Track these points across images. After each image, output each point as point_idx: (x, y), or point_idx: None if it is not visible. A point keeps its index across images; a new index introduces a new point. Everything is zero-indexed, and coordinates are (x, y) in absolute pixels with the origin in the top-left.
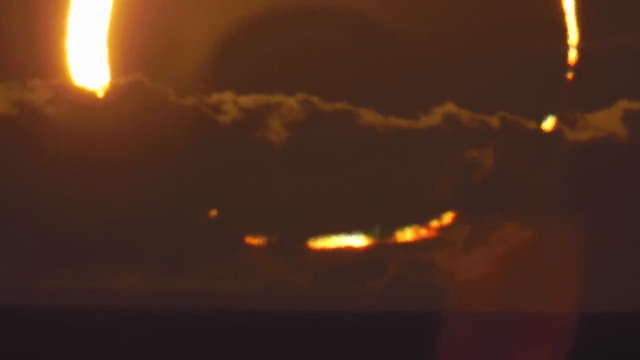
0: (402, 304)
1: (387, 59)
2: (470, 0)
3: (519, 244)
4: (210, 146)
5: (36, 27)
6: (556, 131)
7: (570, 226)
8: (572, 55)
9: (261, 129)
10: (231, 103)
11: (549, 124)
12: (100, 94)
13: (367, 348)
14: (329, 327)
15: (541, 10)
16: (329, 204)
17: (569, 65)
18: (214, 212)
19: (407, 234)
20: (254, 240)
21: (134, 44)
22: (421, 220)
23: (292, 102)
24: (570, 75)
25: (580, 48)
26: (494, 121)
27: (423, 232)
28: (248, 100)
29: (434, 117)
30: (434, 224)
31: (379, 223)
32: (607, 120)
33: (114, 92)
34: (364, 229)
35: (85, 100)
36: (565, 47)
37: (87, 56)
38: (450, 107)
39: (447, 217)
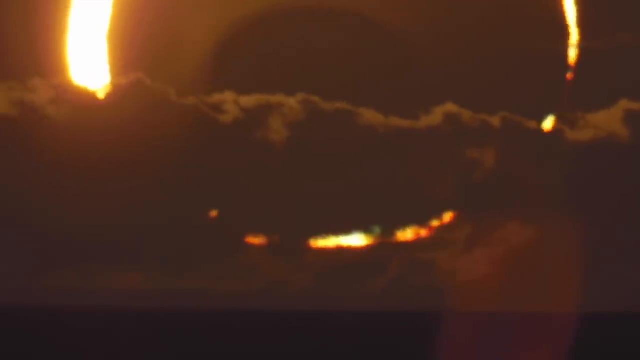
0: (402, 303)
1: (387, 59)
2: (470, 1)
3: (519, 244)
4: (211, 146)
5: (36, 27)
6: (557, 131)
7: (571, 226)
8: (573, 55)
9: (262, 128)
10: (232, 103)
11: (549, 123)
12: (101, 93)
13: (367, 348)
14: (329, 327)
15: (542, 11)
16: (329, 203)
17: (569, 65)
18: (214, 212)
19: (407, 234)
20: (254, 240)
21: (135, 44)
22: (422, 220)
23: (292, 101)
24: (570, 75)
25: (581, 48)
26: (495, 121)
27: (423, 232)
28: (249, 100)
29: (435, 117)
30: (435, 223)
31: (380, 223)
32: (607, 120)
33: (114, 92)
34: (365, 229)
35: (85, 100)
36: (566, 47)
37: (88, 56)
38: (450, 107)
39: (448, 217)
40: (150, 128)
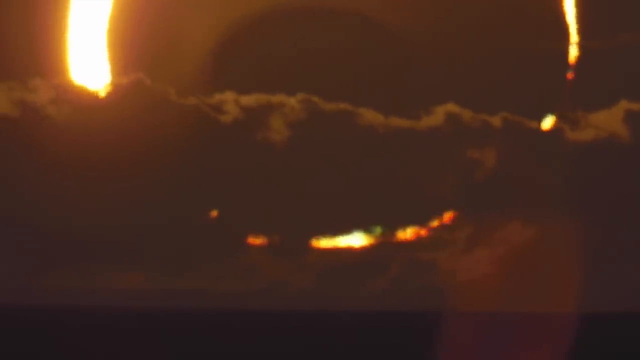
0: (402, 303)
1: (388, 59)
2: (470, 1)
3: (520, 244)
4: (212, 146)
5: (36, 27)
6: (557, 131)
7: (571, 226)
8: (573, 55)
9: (262, 128)
10: (232, 103)
11: (550, 123)
12: (101, 93)
13: (367, 348)
14: (329, 327)
15: (542, 11)
16: (330, 203)
17: (569, 65)
18: (214, 212)
19: (408, 234)
20: (254, 240)
21: (135, 44)
22: (422, 220)
23: (293, 101)
24: (571, 75)
25: (581, 48)
26: (496, 121)
27: (424, 232)
28: (249, 100)
29: (436, 117)
30: (435, 223)
31: (380, 223)
32: (608, 120)
33: (114, 92)
34: (365, 229)
35: (86, 100)
36: (566, 47)
37: (88, 56)
38: (451, 107)
39: (448, 217)
40: (150, 128)
